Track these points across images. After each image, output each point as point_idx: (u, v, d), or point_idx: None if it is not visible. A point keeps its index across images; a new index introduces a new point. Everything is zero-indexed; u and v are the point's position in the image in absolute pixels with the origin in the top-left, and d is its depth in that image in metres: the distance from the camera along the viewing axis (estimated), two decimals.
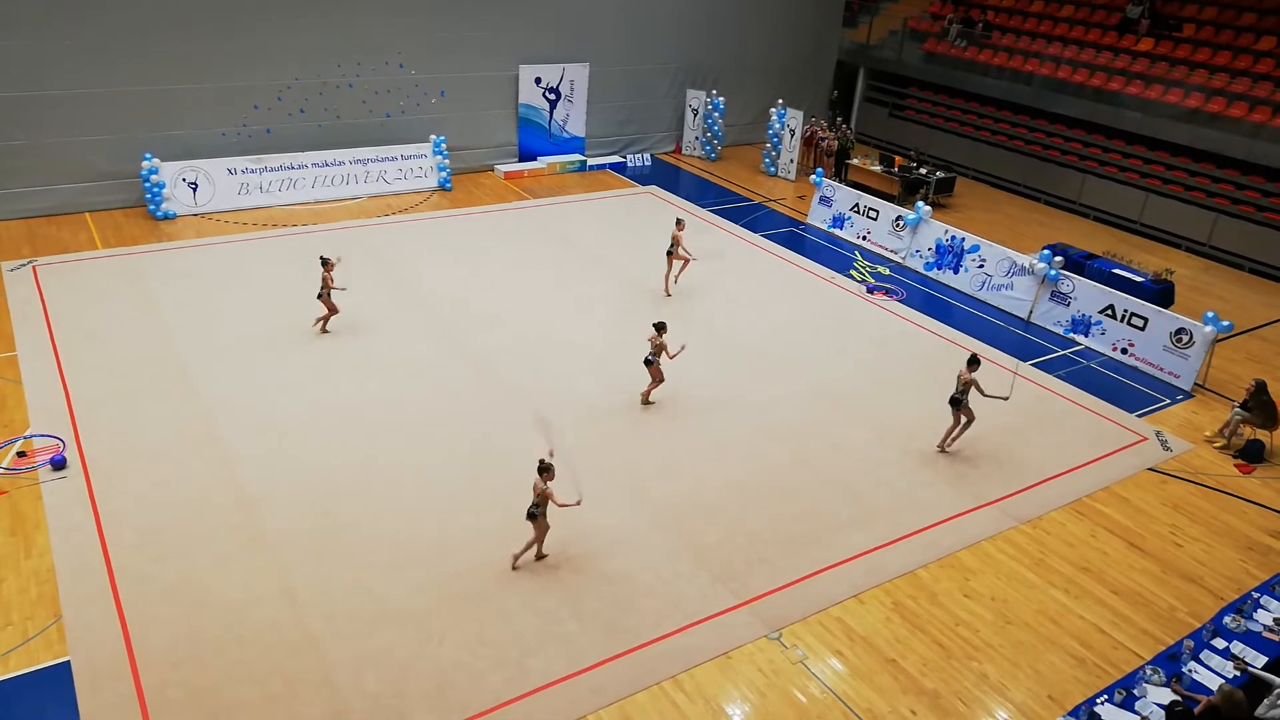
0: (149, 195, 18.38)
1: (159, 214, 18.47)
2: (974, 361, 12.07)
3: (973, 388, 11.92)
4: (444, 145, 21.43)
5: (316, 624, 8.89)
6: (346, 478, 11.07)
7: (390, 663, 8.52)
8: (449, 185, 21.50)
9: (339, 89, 20.36)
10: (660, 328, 12.66)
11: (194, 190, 18.91)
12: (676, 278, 16.54)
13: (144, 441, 11.43)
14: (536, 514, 9.50)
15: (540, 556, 9.88)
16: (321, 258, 14.19)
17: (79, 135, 17.96)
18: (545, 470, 9.39)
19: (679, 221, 16.41)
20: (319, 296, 14.09)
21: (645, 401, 12.93)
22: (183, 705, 7.96)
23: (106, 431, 11.56)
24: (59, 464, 10.81)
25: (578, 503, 9.40)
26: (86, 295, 15.00)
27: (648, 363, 12.67)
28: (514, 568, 9.75)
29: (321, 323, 14.37)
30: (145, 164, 18.19)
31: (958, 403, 12.06)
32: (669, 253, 16.21)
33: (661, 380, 12.78)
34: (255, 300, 15.26)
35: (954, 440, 12.35)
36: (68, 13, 17.10)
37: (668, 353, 12.55)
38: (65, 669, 8.25)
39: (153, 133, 18.56)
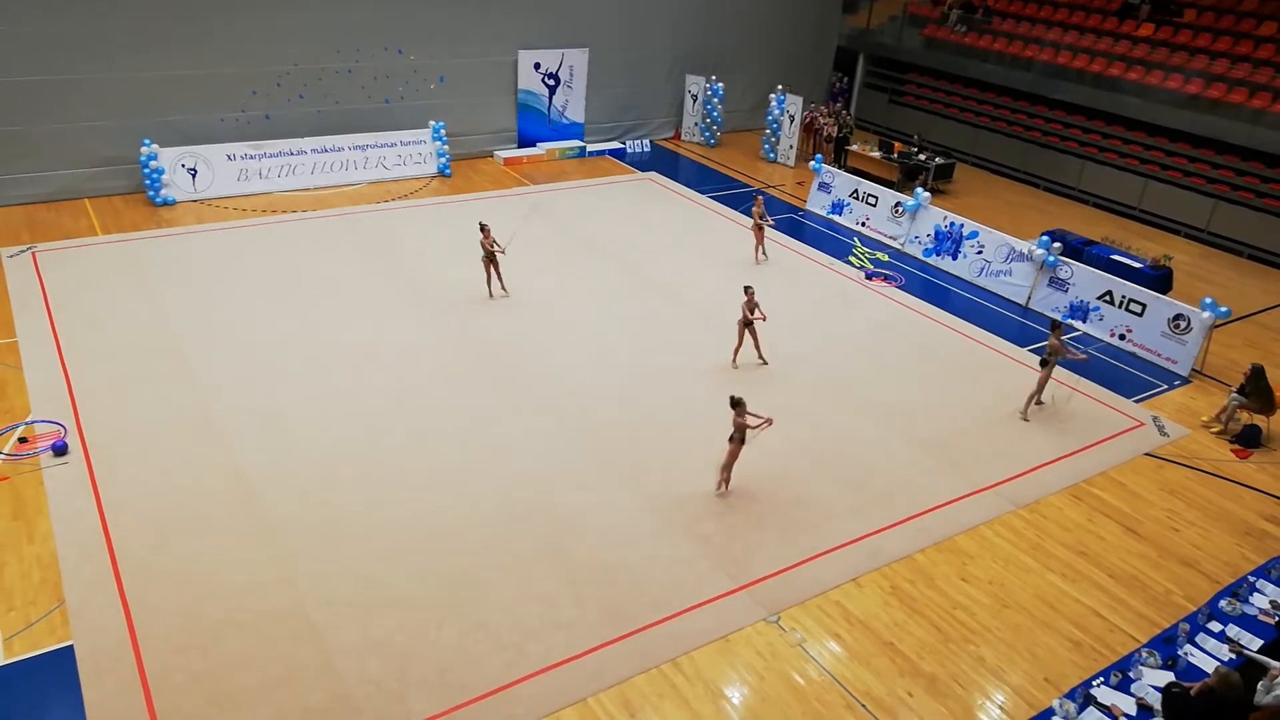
0: (148, 181, 18.36)
1: (158, 200, 18.46)
2: (1056, 326, 12.96)
3: (1059, 350, 12.79)
4: (443, 131, 21.39)
5: (317, 610, 8.95)
6: (346, 464, 11.11)
7: (391, 648, 8.58)
8: (448, 171, 21.48)
9: (338, 75, 20.31)
10: (749, 291, 13.40)
11: (193, 176, 18.89)
12: (762, 248, 17.68)
13: (145, 427, 11.47)
14: (735, 439, 10.59)
15: (723, 481, 10.95)
16: (480, 224, 15.11)
17: (78, 121, 17.93)
18: (737, 405, 10.44)
19: (756, 197, 17.77)
20: (483, 260, 15.04)
21: (735, 364, 13.85)
22: (186, 690, 8.02)
23: (108, 417, 11.60)
24: (60, 450, 10.85)
25: (769, 421, 10.50)
26: (86, 281, 15.01)
27: (747, 324, 13.54)
28: (723, 491, 10.91)
29: (497, 281, 15.31)
30: (144, 150, 18.17)
31: (1045, 363, 12.85)
32: (757, 226, 17.43)
33: (746, 340, 13.70)
34: (255, 286, 15.27)
35: (1037, 398, 13.12)
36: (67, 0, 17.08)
37: (759, 312, 13.40)
38: (69, 653, 8.31)
39: (152, 118, 18.54)
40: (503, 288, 15.42)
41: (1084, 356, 13.73)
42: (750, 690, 8.46)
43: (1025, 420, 12.99)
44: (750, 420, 10.46)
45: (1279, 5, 21.63)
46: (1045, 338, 15.54)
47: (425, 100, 21.54)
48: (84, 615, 8.71)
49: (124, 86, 18.11)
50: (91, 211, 17.95)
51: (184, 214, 18.27)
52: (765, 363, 13.84)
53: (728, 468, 10.82)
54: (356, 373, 13.03)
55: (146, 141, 18.22)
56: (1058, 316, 16.16)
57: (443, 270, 16.31)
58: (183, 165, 18.74)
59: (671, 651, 8.76)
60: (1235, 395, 13.02)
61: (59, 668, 8.17)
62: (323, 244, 17.20)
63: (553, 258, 17.26)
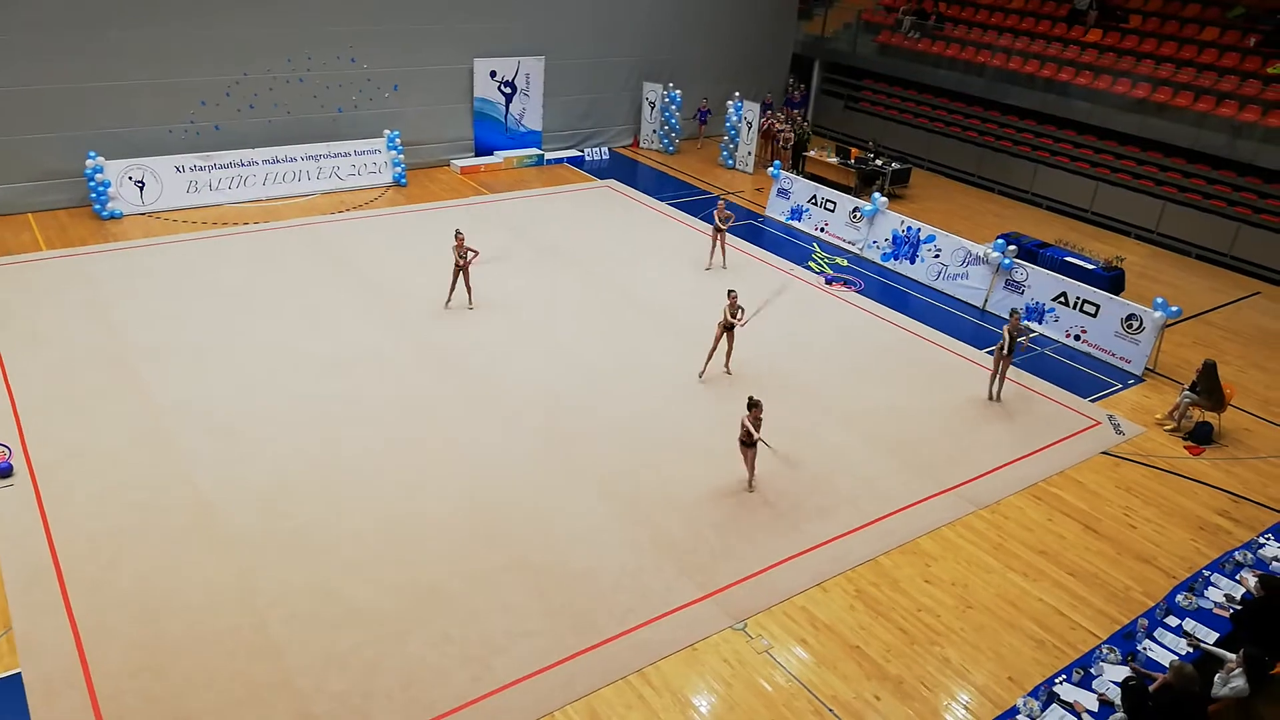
0: (94, 194, 17.94)
1: (105, 213, 18.04)
2: (1014, 312, 13.56)
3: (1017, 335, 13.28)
4: (398, 140, 21.18)
5: (277, 627, 8.76)
6: (305, 477, 10.90)
7: (355, 664, 8.42)
8: (404, 181, 21.27)
9: (289, 84, 20.02)
10: (732, 295, 13.19)
11: (141, 189, 18.49)
12: (721, 259, 17.64)
13: (94, 445, 11.16)
14: (753, 440, 10.82)
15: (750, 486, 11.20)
16: (456, 231, 14.88)
17: (19, 133, 17.46)
18: (754, 406, 10.63)
19: (720, 201, 17.57)
20: (454, 267, 14.80)
21: (728, 369, 13.77)
22: (141, 714, 7.79)
23: (54, 436, 11.27)
24: (5, 471, 10.51)
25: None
26: (31, 298, 14.61)
27: (727, 328, 13.34)
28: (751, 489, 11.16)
29: (464, 292, 15.07)
30: (90, 162, 17.75)
31: (1005, 350, 13.35)
32: (716, 229, 17.32)
33: (730, 346, 13.58)
34: (207, 299, 14.96)
35: (997, 384, 13.67)
36: (4, 6, 16.59)
37: (742, 317, 13.17)
38: (16, 681, 8.04)
39: (97, 130, 18.12)
40: (469, 299, 15.17)
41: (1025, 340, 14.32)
42: (718, 699, 8.42)
43: (992, 400, 13.63)
44: (751, 423, 10.66)
45: (1220, 11, 22.21)
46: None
47: (379, 109, 21.31)
48: (32, 640, 8.44)
49: (66, 97, 17.66)
50: (35, 226, 17.48)
51: (132, 227, 17.87)
52: (729, 373, 13.73)
53: (750, 471, 11.13)
54: (313, 384, 12.80)
55: (92, 154, 17.80)
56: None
57: (401, 280, 16.11)
58: (130, 178, 18.34)
59: (639, 661, 8.70)
60: (1187, 393, 13.28)
61: (7, 695, 7.89)
62: (276, 256, 16.92)
63: (514, 266, 17.13)
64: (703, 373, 13.56)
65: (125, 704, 7.88)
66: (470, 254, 14.86)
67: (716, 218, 17.29)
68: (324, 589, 9.26)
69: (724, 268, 17.56)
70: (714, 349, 13.47)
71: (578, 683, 8.41)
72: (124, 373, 12.74)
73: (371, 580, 9.41)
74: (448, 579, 9.50)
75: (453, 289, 15.05)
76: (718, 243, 17.50)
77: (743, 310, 13.16)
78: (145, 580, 9.21)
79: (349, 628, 8.81)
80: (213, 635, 8.62)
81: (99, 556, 9.46)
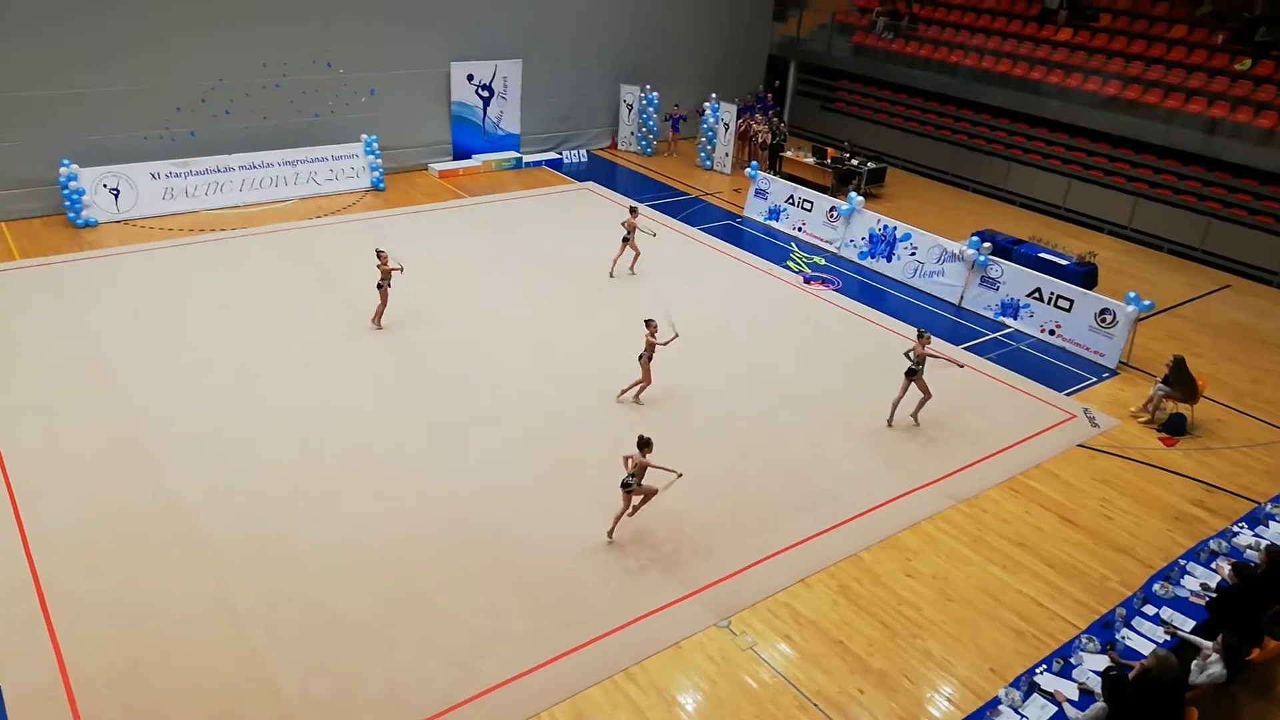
0: (68, 202, 17.76)
1: (79, 222, 17.87)
2: (922, 334, 12.56)
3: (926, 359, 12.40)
4: (376, 144, 21.11)
5: (258, 635, 8.71)
6: (283, 484, 10.85)
7: (337, 670, 8.39)
8: (382, 185, 21.19)
9: (265, 89, 19.91)
10: (650, 324, 12.54)
11: (116, 196, 18.33)
12: (632, 265, 17.08)
13: (71, 455, 11.06)
14: (631, 484, 9.92)
15: (616, 524, 10.26)
16: (376, 250, 14.20)
17: None
18: (645, 445, 9.79)
19: (633, 209, 16.90)
20: (379, 287, 14.21)
21: (620, 397, 12.96)
22: None
23: (30, 446, 11.16)
24: None
25: (678, 474, 10.03)
26: (4, 307, 14.44)
27: (640, 357, 12.61)
28: (610, 539, 10.23)
29: (377, 317, 14.47)
30: (63, 170, 17.58)
31: (912, 373, 12.43)
32: (625, 239, 16.75)
33: (648, 381, 12.80)
34: (184, 307, 14.85)
35: (896, 409, 12.75)
36: None
37: (658, 344, 12.47)
38: None
39: (70, 137, 17.92)
40: (379, 319, 14.48)
41: (960, 364, 13.96)
42: (704, 696, 8.46)
43: (890, 426, 12.74)
44: (652, 462, 9.82)
45: (1188, 9, 22.51)
46: (978, 335, 16.00)
47: (357, 114, 21.23)
48: (10, 653, 8.35)
49: (39, 104, 17.47)
50: (8, 235, 17.28)
51: (107, 235, 17.71)
52: (637, 401, 12.94)
53: (619, 516, 10.14)
54: (290, 390, 12.74)
55: (65, 161, 17.63)
56: (992, 313, 16.58)
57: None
58: (104, 185, 18.17)
59: (624, 661, 8.72)
60: (1160, 385, 13.45)
61: None
62: (253, 262, 16.81)
63: (491, 269, 17.11)
64: (634, 397, 12.96)
65: (106, 716, 7.80)
66: (395, 269, 14.19)
67: (626, 225, 16.61)
68: (304, 596, 9.21)
69: (612, 276, 16.93)
70: (646, 377, 12.81)
71: (563, 683, 8.42)
72: (100, 382, 12.63)
73: (352, 586, 9.37)
74: (430, 584, 9.48)
75: (384, 308, 14.44)
76: (628, 249, 16.82)
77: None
78: (124, 591, 9.13)
79: (331, 634, 8.77)
80: (193, 644, 8.56)
81: (78, 567, 9.37)
